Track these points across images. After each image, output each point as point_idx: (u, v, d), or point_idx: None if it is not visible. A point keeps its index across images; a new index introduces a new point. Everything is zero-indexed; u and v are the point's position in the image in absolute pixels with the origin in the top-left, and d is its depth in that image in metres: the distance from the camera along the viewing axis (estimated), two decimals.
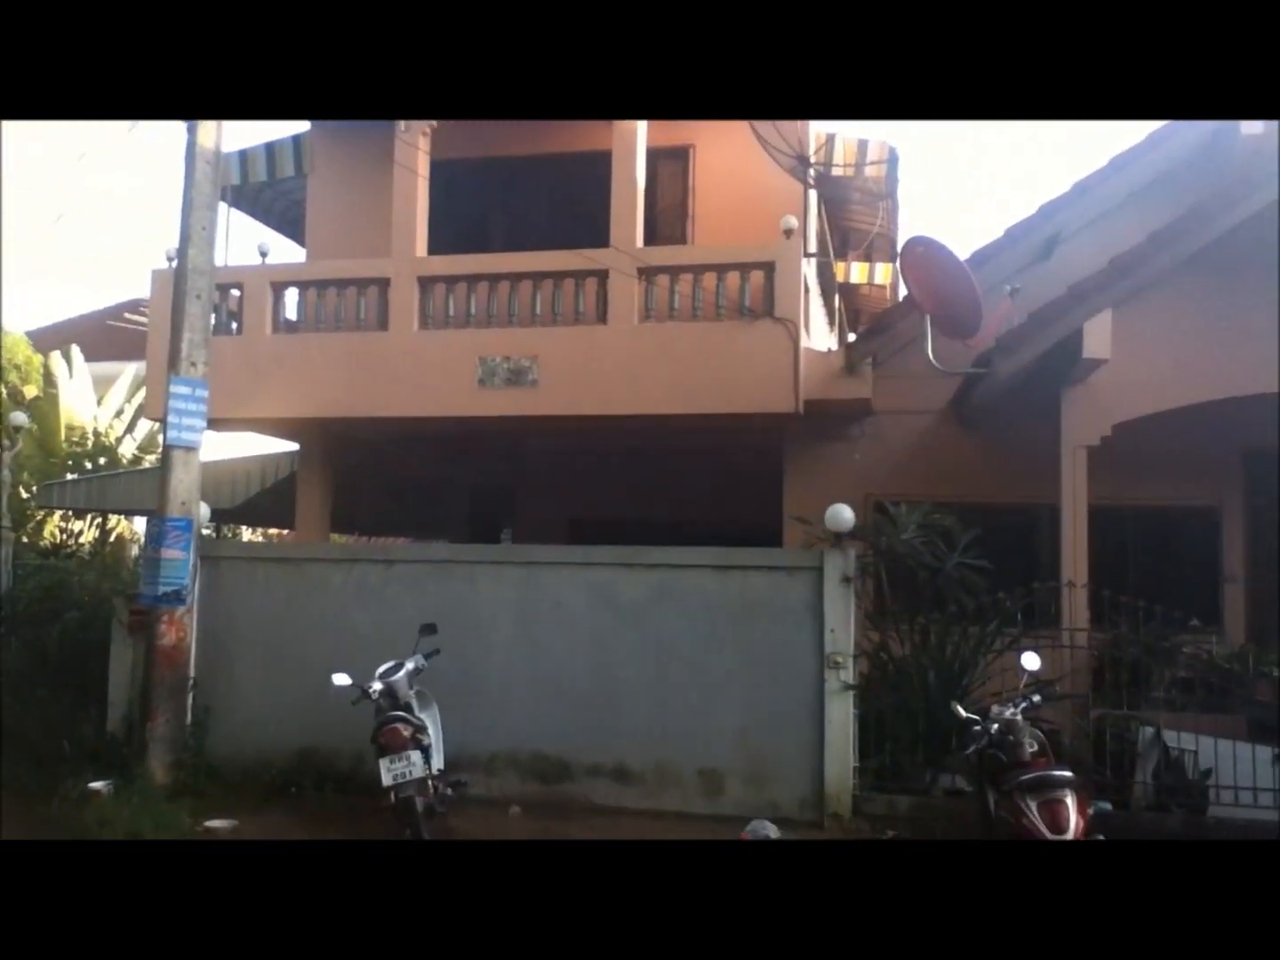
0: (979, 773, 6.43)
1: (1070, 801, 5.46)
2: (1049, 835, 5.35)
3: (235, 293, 11.51)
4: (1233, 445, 10.23)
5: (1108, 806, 7.78)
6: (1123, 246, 8.73)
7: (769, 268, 10.09)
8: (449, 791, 7.38)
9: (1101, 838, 5.48)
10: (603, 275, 10.43)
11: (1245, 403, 9.03)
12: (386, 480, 14.94)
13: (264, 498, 13.73)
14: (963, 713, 6.39)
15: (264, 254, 11.62)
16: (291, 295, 11.64)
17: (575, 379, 10.40)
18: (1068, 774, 5.64)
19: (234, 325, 11.52)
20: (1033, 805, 5.48)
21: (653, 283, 10.40)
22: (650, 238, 11.27)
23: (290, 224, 14.15)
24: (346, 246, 11.92)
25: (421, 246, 11.13)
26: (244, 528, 21.16)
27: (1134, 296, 8.69)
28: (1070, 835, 5.34)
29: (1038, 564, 9.81)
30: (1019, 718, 6.23)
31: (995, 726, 6.19)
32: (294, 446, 13.09)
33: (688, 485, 12.81)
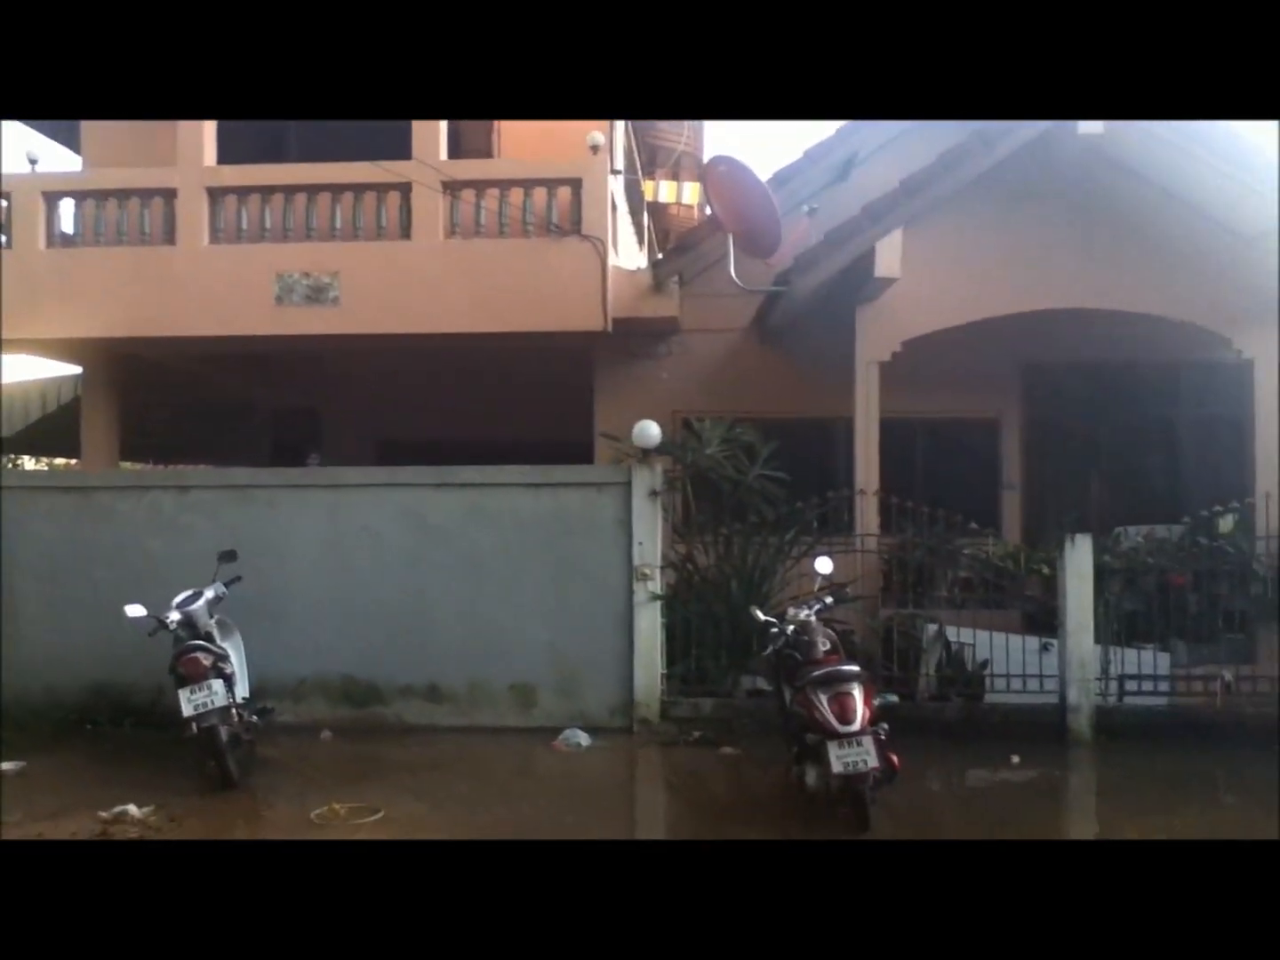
0: (776, 672, 6.76)
1: (858, 694, 5.82)
2: (838, 726, 5.70)
3: (2, 204, 10.61)
4: (1013, 360, 10.89)
5: (894, 698, 8.35)
6: (914, 168, 9.08)
7: (576, 184, 10.02)
8: (255, 719, 7.25)
9: (885, 726, 5.86)
10: (405, 189, 10.13)
11: (1024, 319, 9.62)
12: (182, 405, 14.23)
13: (46, 424, 12.88)
14: (761, 616, 6.68)
15: (33, 162, 10.73)
16: (68, 207, 10.82)
17: (379, 297, 10.12)
18: (855, 669, 6.00)
19: (2, 239, 10.64)
20: (823, 698, 5.80)
21: (458, 198, 10.18)
22: (455, 151, 10.98)
23: (64, 130, 13.09)
24: (128, 155, 11.13)
25: (210, 155, 10.51)
26: (26, 457, 19.83)
27: (923, 217, 9.08)
28: (857, 725, 5.70)
29: (834, 474, 10.26)
30: (813, 619, 6.55)
31: (791, 628, 6.50)
32: (77, 370, 12.29)
33: (500, 404, 12.75)
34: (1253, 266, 9.35)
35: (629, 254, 12.84)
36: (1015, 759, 7.45)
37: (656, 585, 8.34)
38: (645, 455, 8.43)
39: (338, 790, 6.53)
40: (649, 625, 8.31)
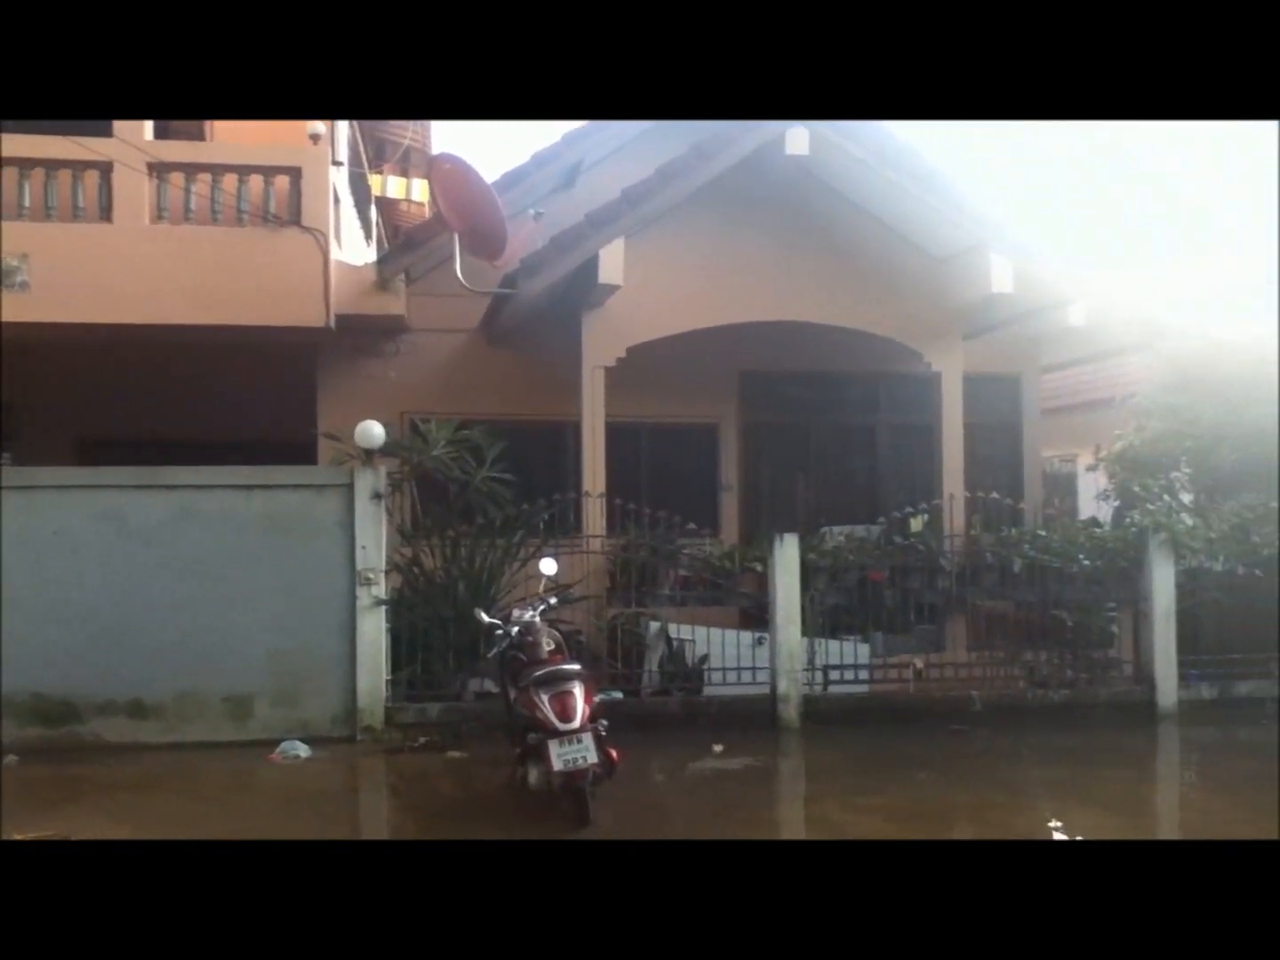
0: (503, 673, 6.77)
1: (578, 692, 5.92)
2: (559, 724, 5.78)
3: None
4: (731, 367, 11.40)
5: (619, 695, 8.56)
6: (639, 178, 9.33)
7: (295, 173, 9.64)
8: None
9: (605, 723, 5.99)
10: (106, 168, 9.41)
11: (741, 329, 10.10)
12: None
13: None
14: (485, 619, 6.67)
15: None
16: None
17: (77, 282, 9.33)
18: (576, 668, 6.10)
19: None
20: (545, 698, 5.87)
21: (165, 180, 9.56)
22: (163, 131, 10.32)
23: None
24: None
25: None
26: None
27: (645, 227, 9.36)
28: (577, 723, 5.79)
29: (563, 476, 10.39)
30: (537, 620, 6.61)
31: (516, 630, 6.52)
32: None
33: (217, 401, 12.03)
34: (941, 286, 10.24)
35: (355, 249, 12.49)
36: (718, 748, 7.79)
37: (381, 589, 8.16)
38: (369, 456, 8.23)
39: (22, 818, 5.98)
40: (373, 630, 8.11)
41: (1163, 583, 8.88)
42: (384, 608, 8.14)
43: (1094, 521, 10.52)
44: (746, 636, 8.98)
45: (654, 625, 9.03)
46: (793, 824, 6.71)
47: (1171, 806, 7.17)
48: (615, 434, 9.88)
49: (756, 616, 9.22)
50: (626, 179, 9.41)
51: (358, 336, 10.52)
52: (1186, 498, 10.83)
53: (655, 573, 9.12)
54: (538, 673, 6.02)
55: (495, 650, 6.65)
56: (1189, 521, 9.40)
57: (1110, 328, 11.05)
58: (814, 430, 11.80)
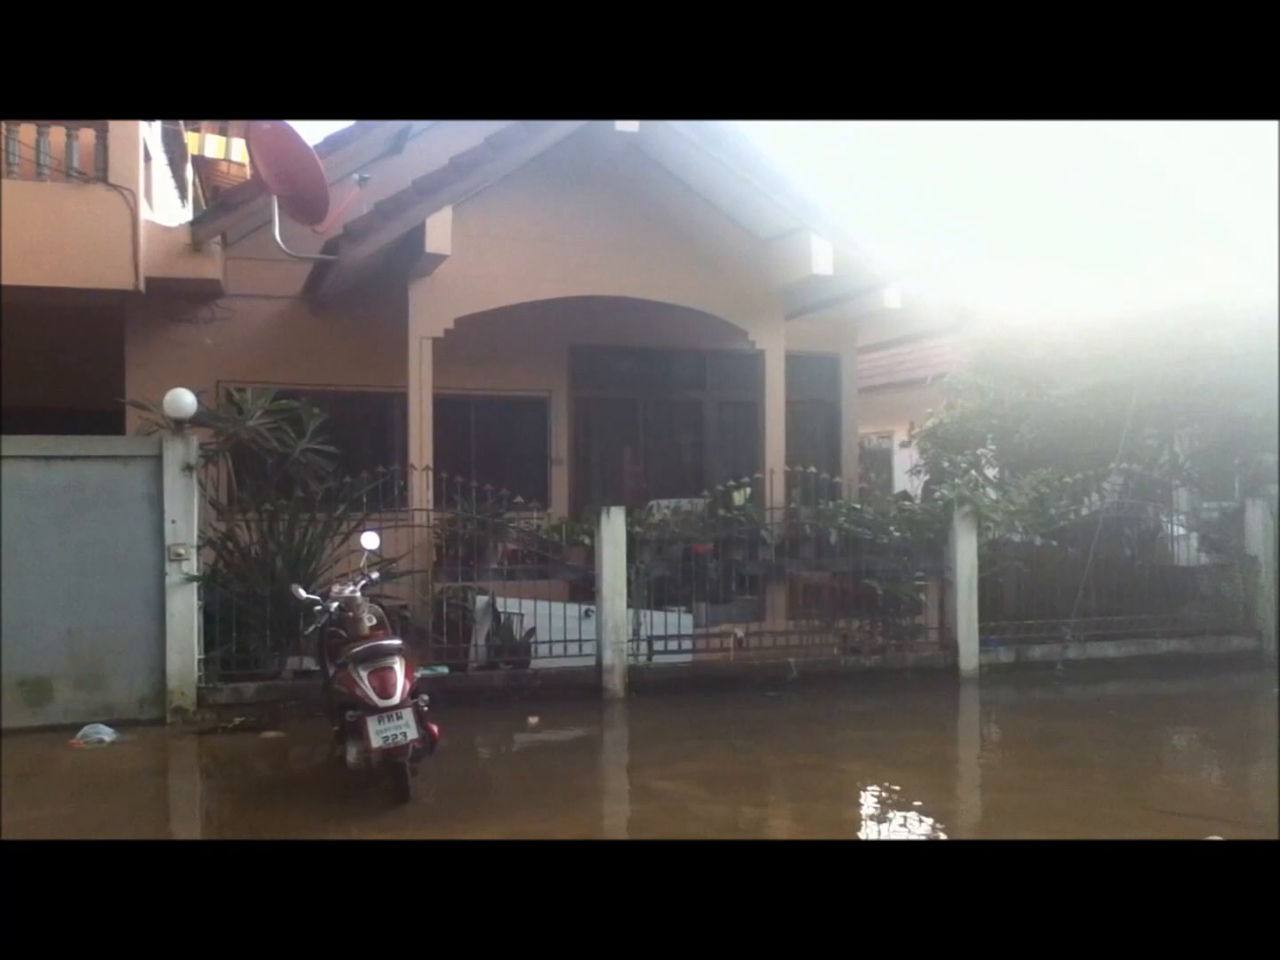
0: (322, 650, 6.63)
1: (398, 668, 5.84)
2: (378, 700, 5.69)
3: None
4: (562, 341, 11.40)
5: (445, 670, 8.51)
6: (467, 147, 9.19)
7: (101, 128, 9.09)
8: None
9: (426, 698, 5.95)
10: None
11: (571, 303, 10.12)
12: None
13: None
14: (303, 594, 6.50)
15: None
16: None
17: None
18: (396, 643, 6.02)
19: None
20: (364, 674, 5.77)
21: None
22: None
23: None
24: None
25: None
26: None
27: (475, 197, 9.25)
28: (397, 699, 5.72)
29: (389, 449, 10.22)
30: (358, 595, 6.47)
31: (335, 605, 6.39)
32: None
33: (15, 366, 11.29)
34: (765, 266, 10.49)
35: (170, 210, 11.88)
36: (533, 720, 7.83)
37: (193, 565, 7.85)
38: (179, 426, 7.88)
39: None
40: (184, 608, 7.81)
41: (966, 553, 9.38)
42: (196, 585, 7.84)
43: (905, 495, 11.03)
44: (574, 609, 9.05)
45: (481, 599, 9.00)
46: (615, 793, 6.81)
47: (969, 764, 7.62)
48: (444, 406, 9.77)
49: (585, 589, 9.29)
50: (456, 147, 9.26)
51: (171, 301, 10.04)
52: (991, 473, 11.48)
53: (483, 546, 9.08)
54: (357, 649, 5.92)
55: (314, 627, 6.52)
56: (992, 495, 9.95)
57: (924, 310, 11.55)
58: (643, 405, 11.94)
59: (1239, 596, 10.15)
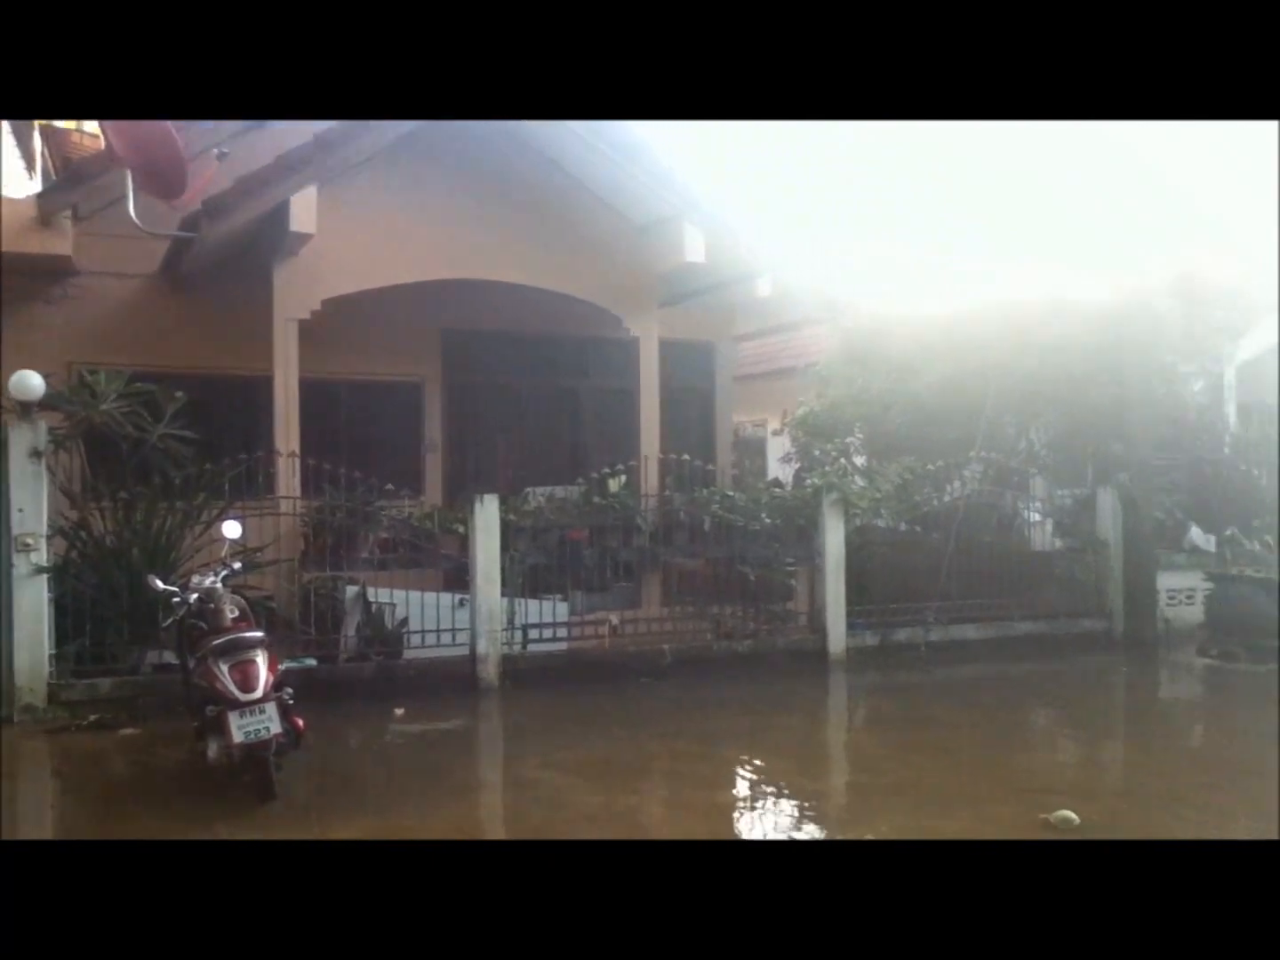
0: (180, 643, 6.40)
1: (261, 661, 5.68)
2: (239, 694, 5.52)
3: None
4: (435, 325, 11.21)
5: (314, 662, 8.30)
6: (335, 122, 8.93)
7: None
8: None
9: (291, 691, 5.79)
10: None
11: (444, 286, 9.95)
12: None
13: None
14: (160, 585, 6.24)
15: None
16: None
17: None
18: (258, 635, 5.84)
19: None
20: (224, 667, 5.59)
21: None
22: None
23: None
24: None
25: None
26: None
27: (342, 175, 8.99)
28: (259, 692, 5.56)
29: (255, 435, 9.86)
30: (219, 586, 6.26)
31: (195, 597, 6.16)
32: None
33: None
34: (640, 253, 10.50)
35: (15, 182, 11.25)
36: (399, 711, 7.71)
37: (42, 556, 7.48)
38: (26, 410, 7.48)
39: None
40: (32, 601, 7.43)
41: (834, 539, 9.59)
42: (46, 576, 7.47)
43: (777, 482, 11.23)
44: (448, 598, 8.93)
45: (351, 589, 8.82)
46: (488, 784, 6.77)
47: (835, 746, 7.83)
48: (313, 391, 9.50)
49: (459, 578, 9.18)
50: (318, 123, 8.97)
51: (17, 278, 9.47)
52: (859, 460, 11.77)
53: (353, 535, 8.87)
54: (217, 641, 5.73)
55: (172, 619, 6.30)
56: (859, 483, 10.20)
57: (795, 300, 11.74)
58: (519, 391, 11.85)
59: (1090, 580, 10.64)
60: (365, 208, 9.32)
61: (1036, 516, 11.08)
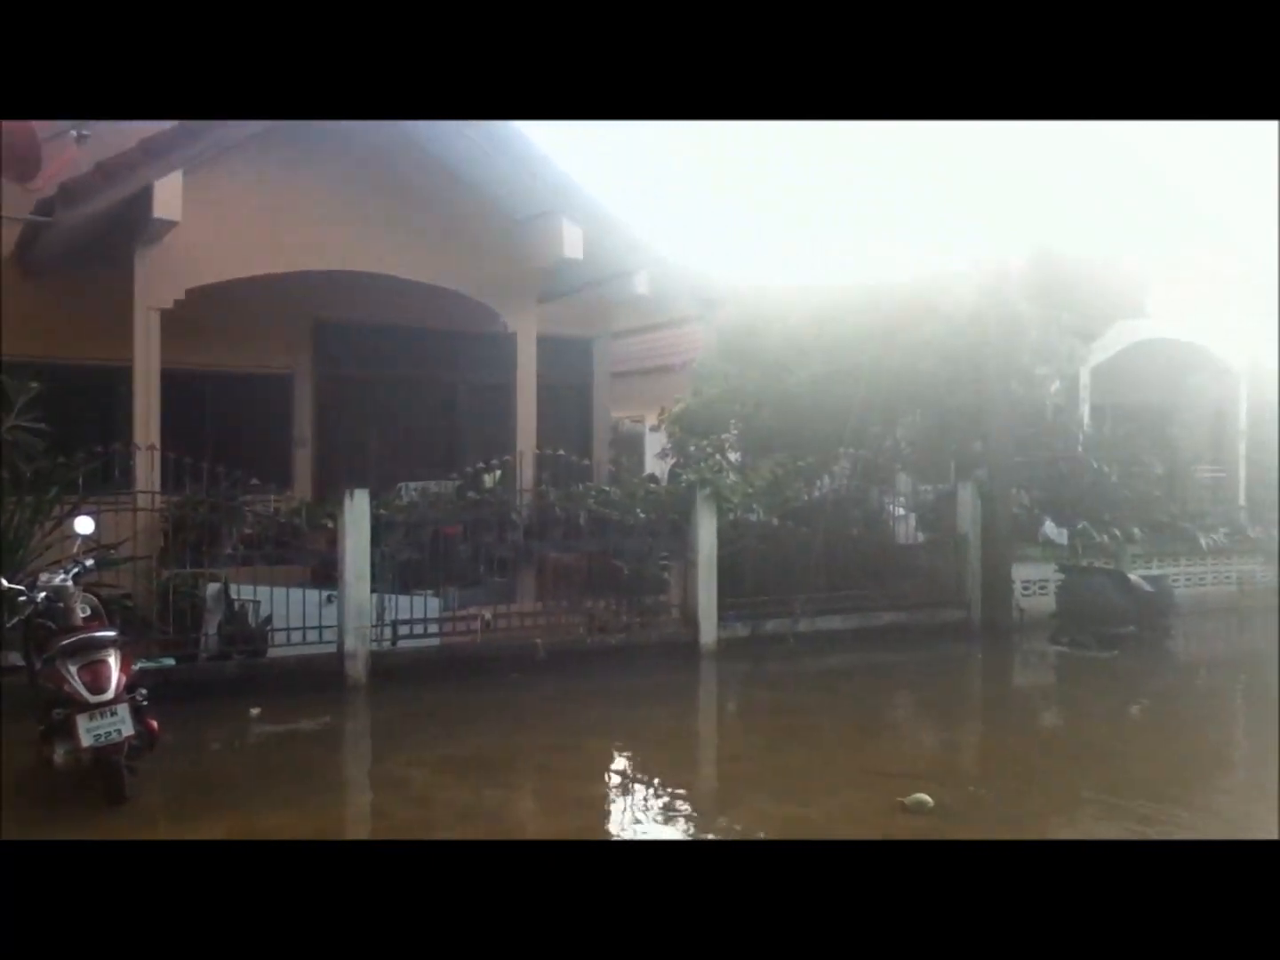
0: (27, 644, 6.15)
1: (112, 661, 5.49)
2: (89, 696, 5.34)
3: None
4: (306, 316, 10.99)
5: (172, 661, 8.06)
6: None
7: None
8: None
9: (144, 691, 5.63)
10: None
11: (315, 277, 9.76)
12: None
13: None
14: (4, 584, 5.99)
15: None
16: None
17: None
18: (110, 634, 5.65)
19: None
20: (73, 669, 5.39)
21: None
22: None
23: None
24: None
25: None
26: None
27: (209, 161, 8.75)
28: (110, 694, 5.38)
29: (114, 427, 9.52)
30: (70, 584, 6.02)
31: (43, 595, 5.92)
32: None
33: None
34: (518, 248, 10.47)
35: None
36: (254, 711, 7.53)
37: None
38: None
39: None
40: None
41: (707, 533, 9.74)
42: None
43: (653, 478, 11.33)
44: (315, 595, 8.76)
45: (213, 586, 8.58)
46: (352, 783, 6.69)
47: (704, 736, 7.97)
48: (177, 383, 9.23)
49: (328, 574, 9.02)
50: None
51: None
52: (734, 456, 11.97)
53: (217, 531, 8.64)
54: (66, 641, 5.52)
55: (17, 619, 6.04)
56: (733, 478, 10.37)
57: (673, 297, 11.86)
58: (394, 385, 11.70)
59: (951, 571, 11.04)
60: (235, 195, 9.10)
61: (901, 511, 11.44)
